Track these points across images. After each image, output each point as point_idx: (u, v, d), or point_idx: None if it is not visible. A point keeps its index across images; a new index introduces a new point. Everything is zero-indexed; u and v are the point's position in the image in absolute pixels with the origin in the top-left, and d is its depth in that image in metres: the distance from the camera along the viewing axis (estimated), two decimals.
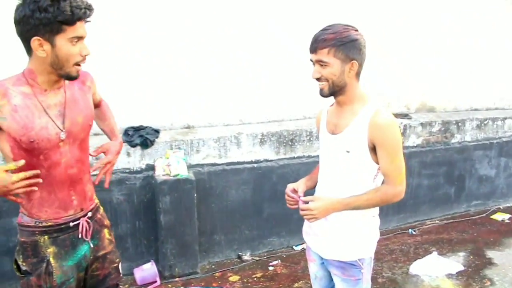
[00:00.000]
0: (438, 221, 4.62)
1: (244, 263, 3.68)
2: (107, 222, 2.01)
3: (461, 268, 3.65)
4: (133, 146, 3.28)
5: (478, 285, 3.43)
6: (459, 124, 4.59)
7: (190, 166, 3.41)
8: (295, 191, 2.03)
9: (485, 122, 4.75)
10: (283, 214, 3.81)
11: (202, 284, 3.35)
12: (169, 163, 3.27)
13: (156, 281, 3.36)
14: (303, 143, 3.79)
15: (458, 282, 3.46)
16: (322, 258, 2.07)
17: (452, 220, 4.65)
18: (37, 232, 1.75)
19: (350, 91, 1.83)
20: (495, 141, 4.86)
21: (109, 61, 3.27)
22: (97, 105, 2.07)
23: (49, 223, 1.75)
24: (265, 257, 3.76)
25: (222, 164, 3.54)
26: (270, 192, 3.73)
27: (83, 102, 1.81)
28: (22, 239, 1.76)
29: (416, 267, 3.62)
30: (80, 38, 1.62)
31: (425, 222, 4.57)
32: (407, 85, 4.51)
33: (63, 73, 1.65)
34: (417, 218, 4.58)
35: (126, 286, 3.37)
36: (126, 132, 3.34)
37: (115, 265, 2.00)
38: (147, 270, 3.39)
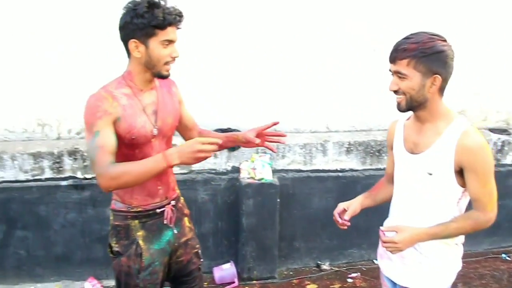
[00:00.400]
0: None
1: (322, 273, 3.63)
2: (187, 211, 2.18)
3: None
4: None
5: None
6: None
7: (274, 171, 3.42)
8: (344, 211, 1.93)
9: None
10: (365, 226, 3.68)
11: None
12: (255, 167, 3.30)
13: (234, 282, 3.41)
14: None
15: None
16: (395, 285, 1.96)
17: None
18: (129, 216, 1.94)
19: (432, 107, 1.69)
20: None
21: (199, 65, 3.37)
22: (192, 127, 2.17)
23: (139, 209, 1.94)
24: (344, 268, 3.68)
25: (307, 171, 3.51)
26: None
27: (171, 104, 1.99)
28: (116, 223, 1.96)
29: None
30: (170, 41, 1.79)
31: None
32: (507, 98, 4.19)
33: (155, 72, 1.83)
34: None
35: (205, 284, 3.45)
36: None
37: (195, 250, 2.16)
38: (226, 270, 3.44)
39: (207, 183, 3.38)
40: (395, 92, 1.69)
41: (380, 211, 2.02)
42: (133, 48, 1.78)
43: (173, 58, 1.82)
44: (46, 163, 3.22)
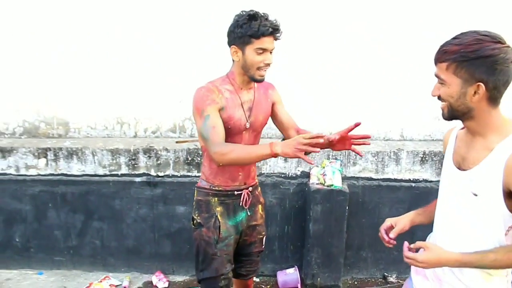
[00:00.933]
0: None
1: (388, 285, 3.51)
2: (262, 199, 2.45)
3: None
4: None
5: None
6: None
7: (345, 178, 3.35)
8: (391, 227, 1.80)
9: None
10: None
11: None
12: (324, 173, 3.25)
13: (297, 287, 3.39)
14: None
15: None
16: None
17: None
18: (210, 193, 2.25)
19: (481, 118, 1.48)
20: None
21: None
22: (291, 126, 2.33)
23: (220, 188, 2.24)
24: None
25: (378, 179, 3.41)
26: None
27: (265, 104, 2.26)
28: (199, 198, 2.28)
29: None
30: (264, 50, 2.03)
31: None
32: None
33: (250, 75, 2.10)
34: None
35: (268, 287, 3.45)
36: (284, 138, 3.40)
37: (260, 236, 2.43)
38: (290, 275, 3.42)
39: (276, 186, 3.37)
40: (438, 98, 1.53)
41: None
42: (233, 53, 2.08)
43: (266, 65, 2.06)
44: (122, 160, 3.36)
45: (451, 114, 1.51)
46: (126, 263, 3.53)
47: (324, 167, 3.29)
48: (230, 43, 2.09)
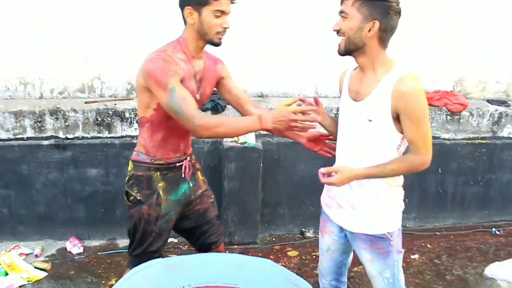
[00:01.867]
0: None
1: (306, 240, 3.60)
2: (198, 165, 2.35)
3: None
4: (204, 110, 3.29)
5: None
6: None
7: (259, 136, 3.36)
8: (316, 101, 1.98)
9: None
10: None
11: (260, 255, 3.32)
12: None
13: None
14: None
15: None
16: (341, 231, 2.02)
17: None
18: (152, 168, 2.08)
19: (371, 54, 1.73)
20: None
21: None
22: (244, 101, 2.27)
23: (162, 162, 2.09)
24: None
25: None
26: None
27: (213, 76, 2.15)
28: (139, 173, 2.09)
29: (494, 270, 3.28)
30: (222, 12, 1.90)
31: (511, 223, 4.15)
32: (508, 68, 4.05)
33: (207, 39, 1.95)
34: (504, 218, 4.15)
35: (186, 246, 3.44)
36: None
37: (211, 200, 2.37)
38: None
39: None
40: (337, 33, 1.74)
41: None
42: (187, 14, 1.92)
43: (224, 29, 1.93)
44: (27, 122, 3.20)
45: (347, 48, 1.74)
46: (38, 231, 3.40)
47: None
48: (183, 4, 1.92)
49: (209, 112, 3.31)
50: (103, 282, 2.99)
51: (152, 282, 1.97)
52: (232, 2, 1.93)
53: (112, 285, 2.93)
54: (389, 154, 1.79)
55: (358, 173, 1.76)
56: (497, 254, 3.55)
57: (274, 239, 3.60)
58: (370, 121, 1.76)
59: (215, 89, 2.26)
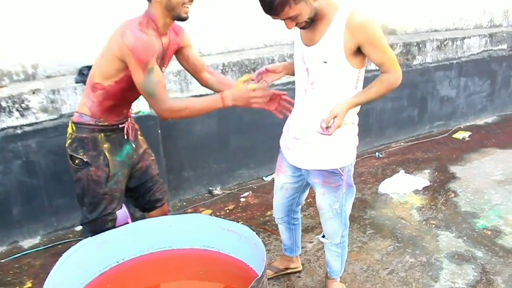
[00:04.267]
0: (403, 143, 4.72)
1: (215, 197, 3.67)
2: (137, 126, 2.37)
3: (427, 183, 3.76)
4: None
5: (443, 197, 3.55)
6: (420, 45, 4.59)
7: None
8: (267, 72, 2.06)
9: (445, 43, 4.77)
10: (250, 146, 3.79)
11: None
12: None
13: (128, 223, 3.30)
14: None
15: (425, 197, 3.57)
16: (296, 171, 2.14)
17: (416, 142, 4.76)
18: (96, 129, 2.08)
19: (321, 7, 1.80)
20: (454, 62, 4.91)
21: None
22: (201, 68, 2.32)
23: (106, 123, 2.10)
24: (235, 190, 3.76)
25: (185, 97, 3.43)
26: (236, 124, 3.67)
27: (172, 51, 2.15)
28: (83, 135, 2.08)
29: (385, 186, 3.70)
30: None
31: (390, 145, 4.66)
32: (368, 7, 4.42)
33: (175, 15, 1.94)
34: (383, 142, 4.65)
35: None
36: (81, 72, 3.16)
37: (152, 158, 2.40)
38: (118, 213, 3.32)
39: None
40: (296, 25, 1.81)
41: (264, 130, 2.05)
42: None
43: (190, 1, 1.92)
44: None
45: (311, 22, 1.80)
46: None
47: None
48: None
49: None
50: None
51: (87, 262, 1.92)
52: None
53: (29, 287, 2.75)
54: (348, 91, 1.88)
55: (349, 104, 1.83)
56: (385, 173, 3.98)
57: (184, 203, 3.62)
58: (325, 62, 1.83)
59: None
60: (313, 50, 1.87)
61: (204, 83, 2.38)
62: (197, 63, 2.31)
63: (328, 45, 1.81)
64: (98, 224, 2.15)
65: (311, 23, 1.81)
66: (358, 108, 1.98)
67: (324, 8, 1.81)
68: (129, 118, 2.24)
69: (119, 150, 2.17)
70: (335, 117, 1.81)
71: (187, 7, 1.95)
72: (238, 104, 2.00)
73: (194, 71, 2.33)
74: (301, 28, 1.84)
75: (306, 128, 1.99)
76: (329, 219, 2.18)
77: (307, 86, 1.95)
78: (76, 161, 2.10)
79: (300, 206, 2.44)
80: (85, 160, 2.08)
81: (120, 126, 2.17)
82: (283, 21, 1.80)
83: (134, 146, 2.25)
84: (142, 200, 2.41)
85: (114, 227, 2.20)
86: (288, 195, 2.29)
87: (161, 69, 2.03)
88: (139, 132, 2.36)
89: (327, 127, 1.82)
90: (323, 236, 2.33)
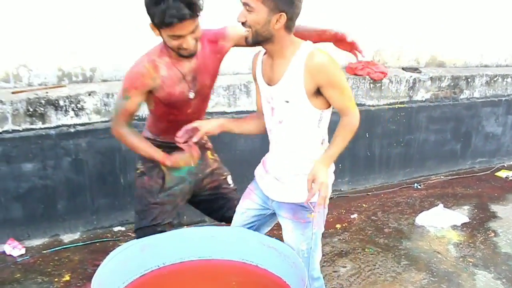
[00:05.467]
0: (443, 177, 4.65)
1: None
2: (209, 145, 2.42)
3: (466, 220, 3.69)
4: None
5: (482, 236, 3.48)
6: (469, 79, 4.54)
7: None
8: (195, 129, 1.97)
9: (495, 79, 4.70)
10: None
11: None
12: None
13: None
14: None
15: (463, 233, 3.51)
16: (265, 202, 2.06)
17: (457, 176, 4.68)
18: (154, 144, 2.16)
19: (278, 42, 1.75)
20: (503, 99, 4.83)
21: None
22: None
23: (164, 140, 2.19)
24: None
25: (232, 112, 3.51)
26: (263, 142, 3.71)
27: (212, 65, 2.09)
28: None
29: (422, 219, 3.65)
30: (179, 36, 1.83)
31: (430, 177, 4.60)
32: (418, 39, 4.43)
33: (175, 53, 1.93)
34: (423, 173, 4.59)
35: (134, 235, 3.39)
36: None
37: (223, 177, 2.43)
38: None
39: None
40: (243, 24, 1.74)
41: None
42: (152, 29, 1.89)
43: (185, 49, 1.88)
44: None
45: (255, 39, 1.74)
46: None
47: None
48: (150, 19, 1.87)
49: None
50: (55, 280, 2.86)
51: (130, 262, 1.98)
52: (194, 18, 1.82)
53: (67, 281, 2.85)
54: (311, 131, 1.85)
55: (325, 161, 1.81)
56: (422, 205, 3.93)
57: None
58: (287, 102, 1.79)
59: None
60: (275, 89, 1.82)
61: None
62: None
63: (288, 85, 1.77)
64: (147, 232, 2.18)
65: (255, 42, 1.75)
66: (326, 145, 1.92)
67: (284, 46, 1.76)
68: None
69: (177, 167, 2.20)
70: (313, 181, 1.78)
71: (183, 50, 1.90)
72: (174, 166, 2.14)
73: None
74: (245, 38, 1.76)
75: (277, 165, 1.96)
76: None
77: (274, 126, 1.92)
78: (137, 171, 2.28)
79: None
80: (142, 170, 2.24)
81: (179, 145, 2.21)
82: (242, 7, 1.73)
83: (197, 165, 2.24)
84: (217, 215, 2.48)
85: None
86: (246, 223, 2.16)
87: (190, 90, 2.05)
88: (209, 152, 2.40)
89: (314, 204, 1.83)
90: None
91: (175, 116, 2.11)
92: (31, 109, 3.02)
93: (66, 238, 3.31)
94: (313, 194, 1.80)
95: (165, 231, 2.20)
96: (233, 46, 2.15)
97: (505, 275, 2.98)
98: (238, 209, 2.18)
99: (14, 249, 3.13)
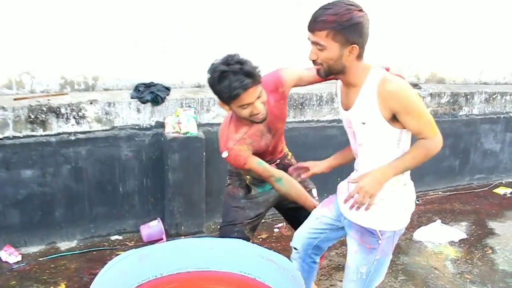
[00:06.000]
0: (441, 192, 4.65)
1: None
2: (293, 161, 2.54)
3: (464, 236, 3.69)
4: (144, 102, 3.25)
5: (480, 252, 3.48)
6: (468, 96, 4.57)
7: (199, 125, 3.40)
8: (306, 169, 2.17)
9: (494, 96, 4.74)
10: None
11: None
12: (179, 121, 3.25)
13: (162, 239, 3.38)
14: (313, 107, 3.77)
15: (461, 249, 3.51)
16: (340, 216, 2.07)
17: (455, 192, 4.68)
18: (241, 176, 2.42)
19: (352, 72, 1.78)
20: (502, 116, 4.85)
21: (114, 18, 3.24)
22: (312, 78, 2.27)
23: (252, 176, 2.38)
24: (270, 220, 3.77)
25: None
26: None
27: (279, 110, 2.25)
28: (230, 168, 2.48)
29: (420, 234, 3.65)
30: (248, 104, 1.99)
31: (428, 193, 4.60)
32: (418, 55, 4.47)
33: (250, 121, 2.11)
34: (421, 189, 4.59)
35: (132, 242, 3.40)
36: (136, 88, 3.31)
37: (308, 189, 2.45)
38: (153, 227, 3.40)
39: (131, 139, 3.28)
40: (314, 61, 1.77)
41: None
42: (221, 106, 2.11)
43: (255, 115, 2.04)
44: None
45: (327, 73, 1.78)
46: None
47: (178, 115, 3.29)
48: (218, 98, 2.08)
49: (148, 104, 3.28)
50: (51, 287, 2.86)
51: (128, 273, 1.98)
52: (256, 85, 1.97)
53: None
54: (390, 151, 1.84)
55: (382, 170, 1.81)
56: (420, 220, 3.93)
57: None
58: (364, 123, 1.81)
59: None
60: (351, 113, 1.86)
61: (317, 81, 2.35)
62: (312, 79, 2.29)
63: (363, 107, 1.79)
64: (225, 231, 2.42)
65: (328, 74, 1.79)
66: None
67: (356, 74, 1.78)
68: (277, 160, 2.44)
69: (261, 185, 2.41)
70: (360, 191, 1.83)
71: (255, 116, 2.05)
72: None
73: (314, 82, 2.35)
74: (316, 70, 1.81)
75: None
76: (350, 282, 2.02)
77: (357, 149, 1.95)
78: (226, 184, 2.54)
79: (319, 251, 2.29)
80: (228, 182, 2.51)
81: None
82: (311, 46, 1.76)
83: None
84: (297, 226, 2.43)
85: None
86: (317, 228, 2.18)
87: (271, 133, 2.25)
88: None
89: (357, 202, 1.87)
90: None
91: (259, 155, 2.26)
92: (32, 116, 3.03)
93: (63, 245, 3.30)
94: (350, 196, 1.87)
95: (243, 232, 2.39)
96: (285, 97, 2.30)
97: None
98: (314, 213, 2.23)
99: (10, 255, 3.12)
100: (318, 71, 1.80)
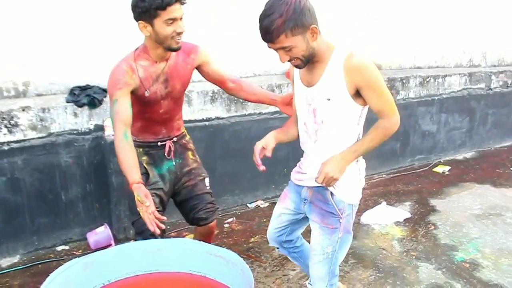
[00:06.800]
0: (385, 175, 4.82)
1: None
2: (191, 146, 2.56)
3: (408, 215, 3.83)
4: (80, 106, 3.15)
5: (423, 229, 3.63)
6: (404, 81, 4.74)
7: None
8: (264, 149, 2.03)
9: (427, 80, 4.94)
10: (235, 172, 3.83)
11: None
12: None
13: (110, 244, 3.29)
14: None
15: (406, 228, 3.64)
16: (298, 207, 2.13)
17: (398, 174, 4.87)
18: (135, 145, 2.20)
19: (319, 49, 1.83)
20: (436, 98, 5.07)
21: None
22: (222, 81, 2.45)
23: (143, 141, 2.36)
24: (219, 216, 3.77)
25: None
26: (222, 150, 3.73)
27: (183, 72, 2.31)
28: None
29: (367, 217, 3.76)
30: (174, 19, 2.04)
31: (373, 177, 4.75)
32: (356, 42, 4.57)
33: (166, 46, 2.12)
34: (366, 173, 4.64)
35: (80, 251, 3.29)
36: (72, 92, 3.20)
37: (200, 178, 2.51)
38: (100, 234, 3.30)
39: (70, 145, 3.17)
40: (289, 61, 1.81)
41: (250, 158, 2.08)
42: (142, 28, 2.08)
43: (178, 33, 2.08)
44: None
45: (306, 62, 1.82)
46: None
47: None
48: (136, 18, 2.07)
49: (85, 108, 3.17)
50: None
51: (72, 284, 1.91)
52: (182, 3, 2.05)
53: None
54: (351, 128, 1.90)
55: (343, 154, 1.86)
56: (367, 204, 4.04)
57: (168, 227, 3.61)
58: (329, 99, 1.84)
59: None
60: (314, 89, 1.89)
61: (230, 93, 2.53)
62: (218, 77, 2.43)
63: (328, 83, 1.84)
64: (140, 224, 2.25)
65: (306, 63, 1.83)
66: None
67: (322, 50, 1.83)
68: (174, 138, 2.43)
69: (159, 164, 2.39)
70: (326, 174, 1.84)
71: (178, 39, 2.10)
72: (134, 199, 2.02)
73: (219, 84, 2.48)
74: (295, 66, 1.86)
75: (315, 164, 1.97)
76: (317, 263, 2.09)
77: (316, 127, 1.95)
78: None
79: (293, 238, 2.34)
80: None
81: (160, 144, 2.38)
82: (278, 52, 1.80)
83: (175, 163, 2.44)
84: (189, 217, 2.53)
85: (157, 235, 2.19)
86: (279, 226, 2.26)
87: (164, 89, 2.24)
88: (190, 152, 2.53)
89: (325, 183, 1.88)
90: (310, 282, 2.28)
91: (150, 114, 2.28)
92: None
93: (4, 262, 3.14)
94: (318, 182, 1.88)
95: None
96: (196, 67, 2.36)
97: (445, 265, 3.11)
98: (274, 212, 2.28)
99: None
100: (297, 66, 1.84)
